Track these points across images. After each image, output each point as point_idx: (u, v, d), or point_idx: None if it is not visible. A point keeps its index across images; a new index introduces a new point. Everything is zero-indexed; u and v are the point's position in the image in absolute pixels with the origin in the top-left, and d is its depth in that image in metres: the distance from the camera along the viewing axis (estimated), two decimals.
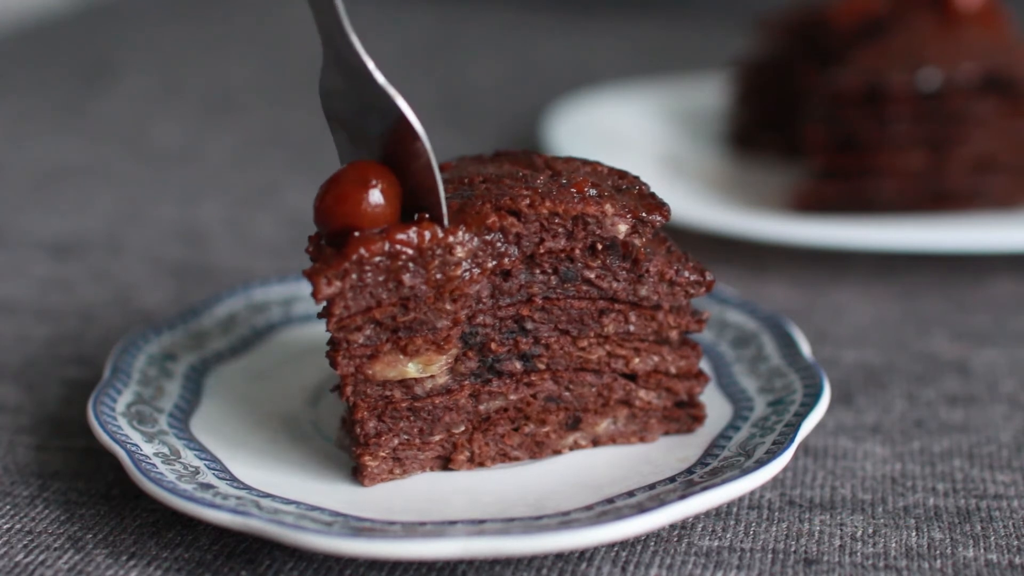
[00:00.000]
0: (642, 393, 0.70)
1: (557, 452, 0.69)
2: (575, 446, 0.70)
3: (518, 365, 0.67)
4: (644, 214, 0.66)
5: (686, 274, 0.68)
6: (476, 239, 0.64)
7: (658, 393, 0.70)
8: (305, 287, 0.83)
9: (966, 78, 1.03)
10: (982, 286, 0.98)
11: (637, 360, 0.69)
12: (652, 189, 0.69)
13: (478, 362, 0.66)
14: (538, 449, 0.69)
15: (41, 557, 0.62)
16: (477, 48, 1.74)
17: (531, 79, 1.59)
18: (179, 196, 1.17)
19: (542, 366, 0.68)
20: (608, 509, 0.61)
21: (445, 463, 0.68)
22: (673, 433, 0.71)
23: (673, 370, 0.70)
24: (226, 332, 0.79)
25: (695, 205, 1.02)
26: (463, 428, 0.67)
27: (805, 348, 0.75)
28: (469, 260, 0.64)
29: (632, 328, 0.68)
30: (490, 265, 0.64)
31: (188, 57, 1.71)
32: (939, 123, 1.04)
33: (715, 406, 0.72)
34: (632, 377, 0.70)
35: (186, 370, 0.75)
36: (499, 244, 0.64)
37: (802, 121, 1.10)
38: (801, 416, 0.67)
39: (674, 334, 0.70)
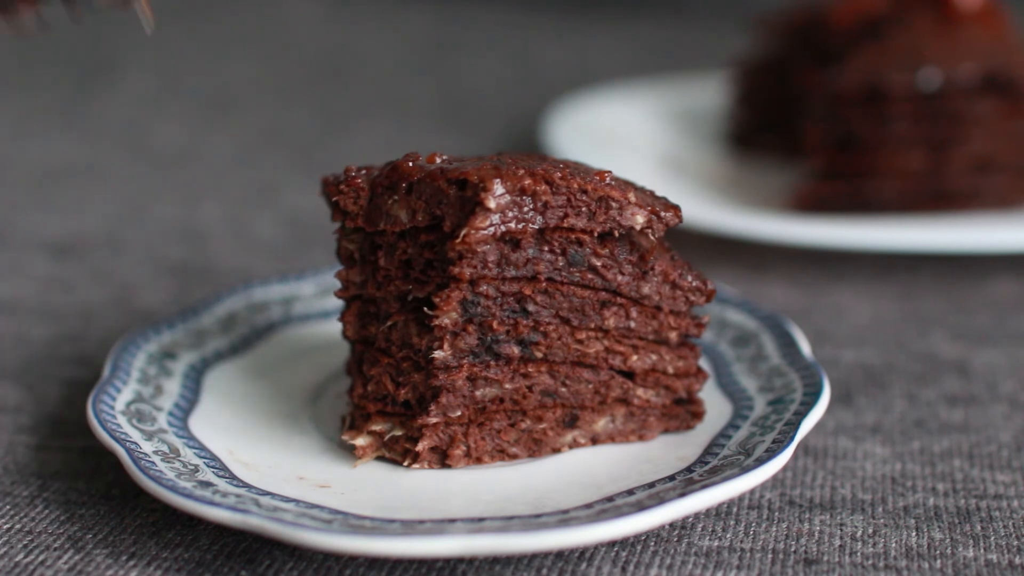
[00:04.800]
0: (640, 391, 0.70)
1: (556, 450, 0.69)
2: (574, 444, 0.70)
3: (516, 350, 0.67)
4: (661, 211, 0.67)
5: (689, 279, 0.68)
6: (508, 196, 0.64)
7: (656, 391, 0.70)
8: (305, 287, 0.83)
9: (966, 78, 1.03)
10: (982, 286, 0.98)
11: (635, 358, 0.69)
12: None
13: (477, 339, 0.66)
14: (536, 447, 0.69)
15: (41, 557, 0.62)
16: (477, 48, 1.74)
17: (531, 79, 1.59)
18: (179, 196, 1.17)
19: (539, 355, 0.67)
20: (608, 507, 0.61)
21: (443, 457, 0.68)
22: (672, 431, 0.71)
23: (671, 370, 0.70)
24: (226, 331, 0.79)
25: (695, 205, 1.02)
26: (459, 413, 0.67)
27: (805, 348, 0.75)
28: (498, 216, 0.64)
29: (633, 324, 0.68)
30: (514, 227, 0.65)
31: (188, 57, 1.71)
32: (939, 123, 1.04)
33: (715, 405, 0.72)
34: (630, 375, 0.70)
35: (186, 369, 0.75)
36: (527, 209, 0.65)
37: (802, 121, 1.10)
38: (801, 415, 0.67)
39: (673, 335, 0.70)
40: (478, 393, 0.67)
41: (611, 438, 0.70)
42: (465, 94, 1.52)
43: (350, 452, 0.69)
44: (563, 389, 0.69)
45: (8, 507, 0.67)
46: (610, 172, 0.68)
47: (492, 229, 0.64)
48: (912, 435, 0.75)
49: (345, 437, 0.68)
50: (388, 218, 0.66)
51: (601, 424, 0.70)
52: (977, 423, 0.77)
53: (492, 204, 0.63)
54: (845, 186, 1.04)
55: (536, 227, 0.65)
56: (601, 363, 0.69)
